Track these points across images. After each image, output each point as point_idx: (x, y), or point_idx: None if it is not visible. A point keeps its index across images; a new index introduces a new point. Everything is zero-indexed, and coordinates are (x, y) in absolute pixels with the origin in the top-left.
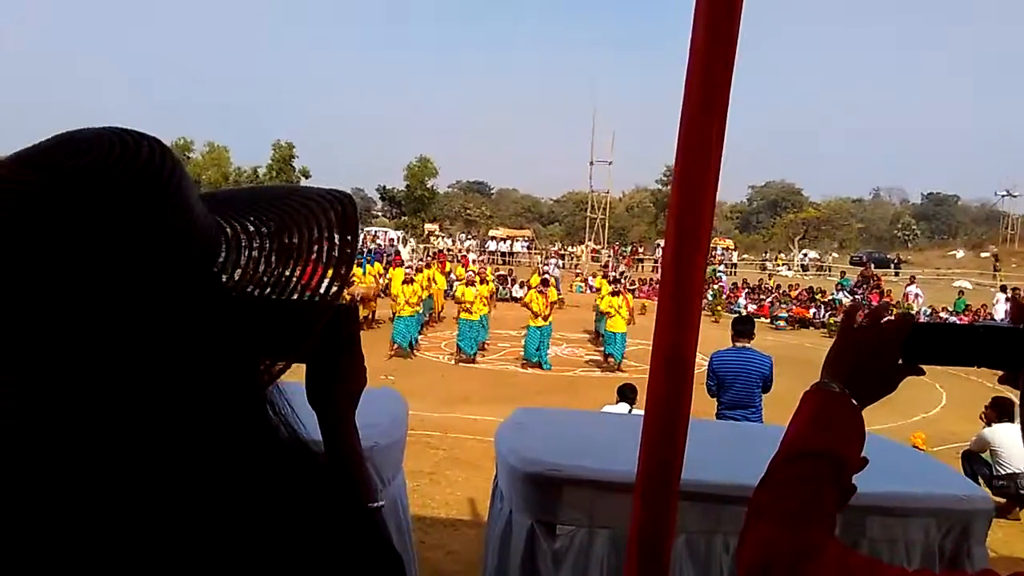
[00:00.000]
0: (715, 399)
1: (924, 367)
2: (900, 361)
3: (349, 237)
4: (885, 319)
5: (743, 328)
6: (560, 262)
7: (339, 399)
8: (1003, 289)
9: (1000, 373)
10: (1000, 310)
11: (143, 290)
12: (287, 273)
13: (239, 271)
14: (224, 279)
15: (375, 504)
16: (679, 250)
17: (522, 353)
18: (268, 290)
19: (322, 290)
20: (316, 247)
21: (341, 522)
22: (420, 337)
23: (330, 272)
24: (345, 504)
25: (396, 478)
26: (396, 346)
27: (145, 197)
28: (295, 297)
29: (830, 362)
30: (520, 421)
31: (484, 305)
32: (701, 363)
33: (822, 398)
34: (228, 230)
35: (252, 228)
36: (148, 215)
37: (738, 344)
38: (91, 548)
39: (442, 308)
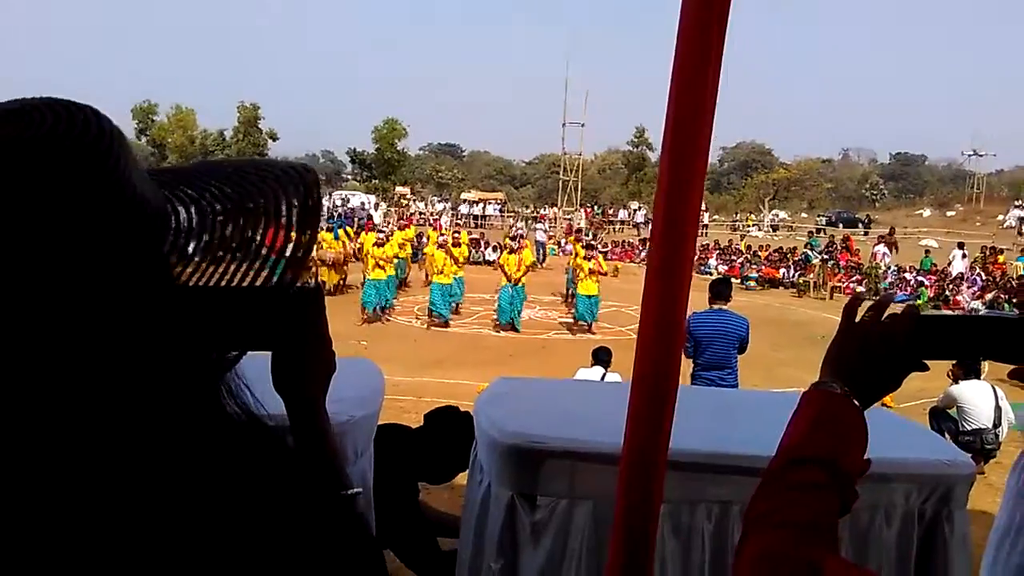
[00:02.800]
0: (691, 360)
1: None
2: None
3: (309, 214)
4: (889, 312)
5: (720, 290)
6: (545, 226)
7: (306, 386)
8: (960, 246)
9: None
10: (956, 267)
11: (81, 271)
12: (241, 252)
13: (191, 250)
14: (175, 260)
15: (350, 491)
16: (670, 214)
17: (495, 316)
18: (222, 271)
19: (278, 271)
20: (274, 224)
21: (309, 509)
22: (394, 301)
23: (287, 251)
24: (314, 491)
25: (367, 451)
26: (367, 312)
27: (82, 171)
28: (251, 277)
29: (831, 359)
30: (500, 391)
31: (459, 267)
32: None
33: (823, 400)
34: (180, 207)
35: (206, 205)
36: (86, 190)
37: (715, 306)
38: (43, 542)
39: (408, 271)
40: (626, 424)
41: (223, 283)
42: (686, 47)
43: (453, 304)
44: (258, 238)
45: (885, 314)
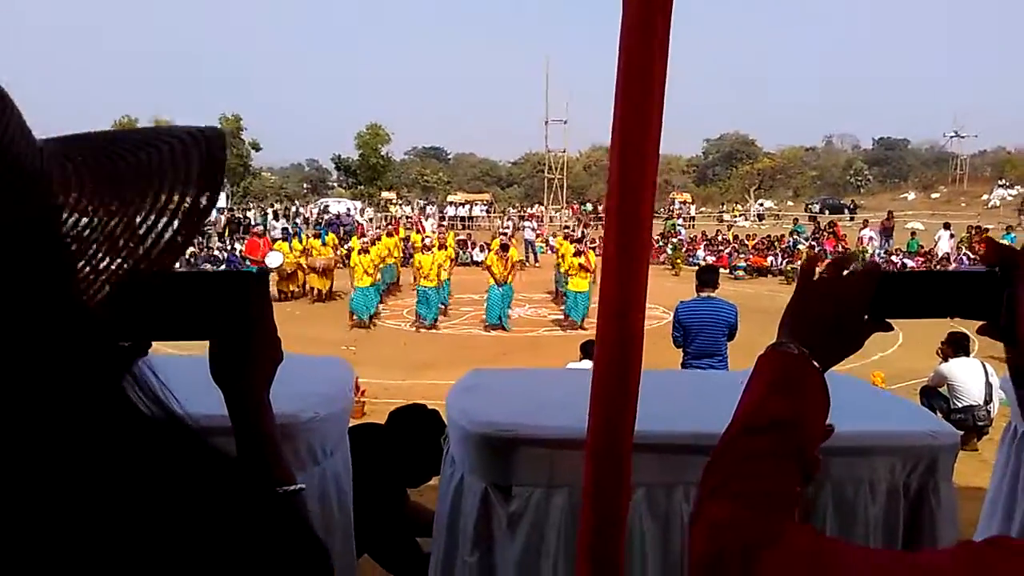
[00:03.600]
0: (681, 349)
1: (893, 322)
2: (866, 316)
3: (210, 172)
4: (849, 269)
5: (708, 278)
6: (534, 224)
7: (246, 377)
8: (946, 226)
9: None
10: (943, 247)
11: None
12: (137, 222)
13: (83, 225)
14: (68, 231)
15: (290, 488)
16: (623, 198)
17: (484, 316)
18: (112, 246)
19: (169, 232)
20: (172, 191)
21: (230, 508)
22: (381, 306)
23: (178, 219)
24: (241, 489)
25: (340, 448)
26: (356, 318)
27: None
28: (142, 238)
29: (788, 319)
30: (472, 383)
31: (444, 271)
32: (664, 316)
33: (779, 361)
34: (73, 177)
35: (100, 171)
36: None
37: (703, 294)
38: None
39: (399, 276)
40: (589, 410)
41: (113, 243)
42: (630, 39)
43: (441, 306)
44: (159, 198)
45: (845, 271)
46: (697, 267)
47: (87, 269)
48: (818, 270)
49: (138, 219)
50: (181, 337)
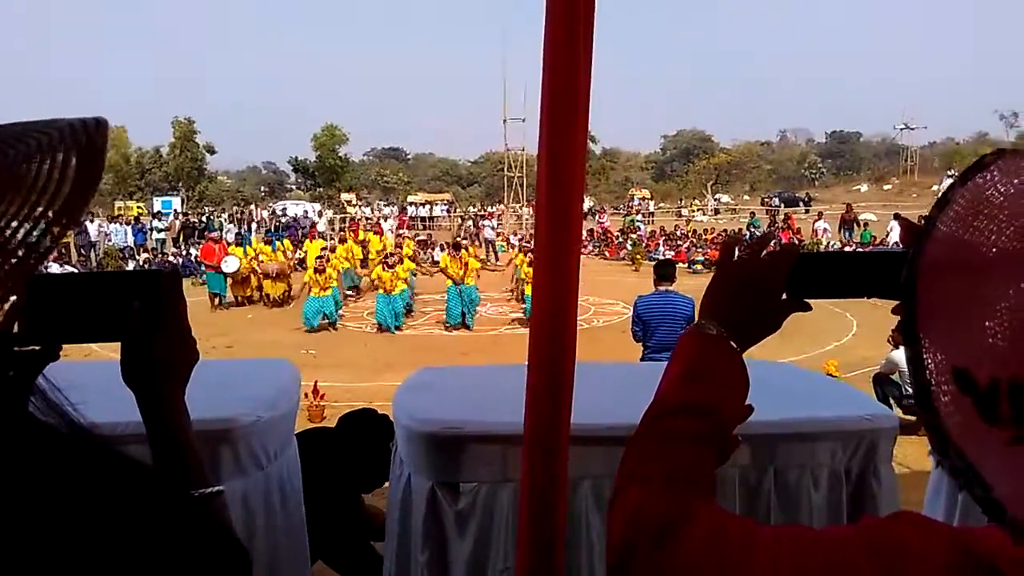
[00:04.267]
0: (641, 344)
1: (812, 302)
2: (784, 296)
3: (88, 165)
4: (767, 251)
5: (665, 272)
6: (494, 223)
7: (157, 378)
8: (896, 217)
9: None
10: (893, 236)
11: None
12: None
13: None
14: None
15: (206, 491)
16: (552, 194)
17: (444, 317)
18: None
19: (39, 229)
20: (45, 180)
21: (140, 514)
22: (341, 311)
23: (51, 212)
24: (151, 494)
25: (285, 452)
26: (306, 325)
27: None
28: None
29: (707, 300)
30: (419, 381)
31: (404, 283)
32: (624, 312)
33: (697, 343)
34: None
35: None
36: None
37: (661, 288)
38: None
39: (358, 281)
40: (525, 404)
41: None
42: (554, 35)
43: (404, 307)
44: (30, 195)
45: (763, 253)
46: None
47: None
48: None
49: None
50: (91, 339)
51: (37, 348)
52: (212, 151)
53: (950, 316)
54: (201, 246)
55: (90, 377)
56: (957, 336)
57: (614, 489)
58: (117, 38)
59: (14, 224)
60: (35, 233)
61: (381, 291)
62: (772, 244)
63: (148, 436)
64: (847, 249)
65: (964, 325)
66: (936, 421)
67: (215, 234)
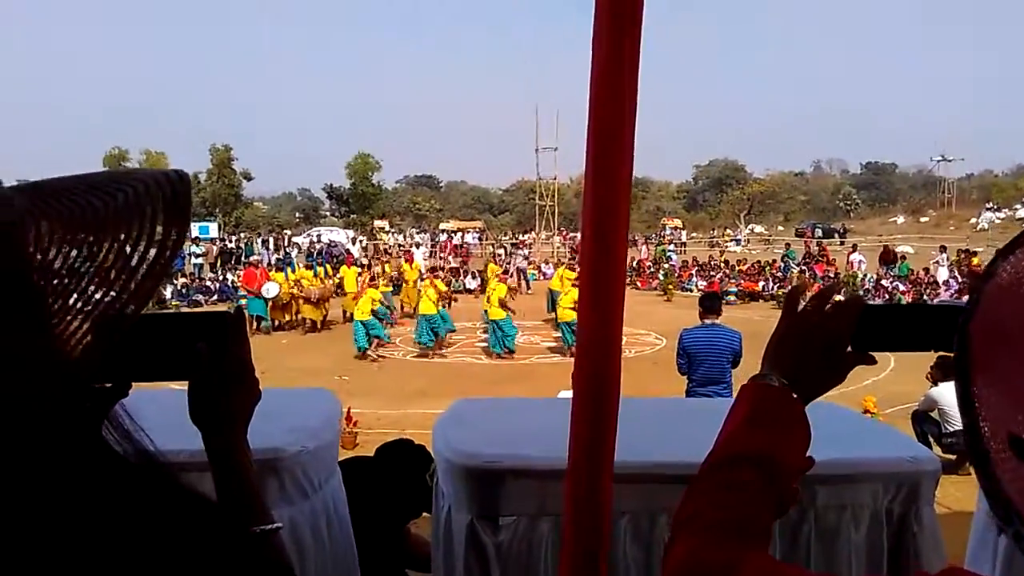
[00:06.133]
0: (686, 377)
1: (875, 355)
2: (849, 348)
3: (175, 224)
4: (832, 301)
5: (711, 304)
6: (527, 252)
7: (224, 417)
8: (942, 249)
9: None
10: (943, 273)
11: None
12: (106, 263)
13: (56, 269)
14: (38, 277)
15: (267, 527)
16: (598, 224)
17: (487, 345)
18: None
19: (138, 277)
20: (137, 235)
21: (204, 548)
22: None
23: (149, 255)
24: (214, 529)
25: (330, 480)
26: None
27: None
28: (113, 284)
29: (771, 351)
30: (458, 413)
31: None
32: (656, 342)
33: (759, 393)
34: (44, 223)
35: (66, 217)
36: None
37: (707, 321)
38: None
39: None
40: (569, 438)
41: (87, 283)
42: (600, 55)
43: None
44: (129, 237)
45: (829, 304)
46: (688, 293)
47: (60, 313)
48: (802, 302)
49: (108, 262)
50: (160, 378)
51: (108, 385)
52: (249, 178)
53: (1004, 379)
54: (243, 271)
55: (152, 405)
56: (1011, 400)
57: (669, 536)
58: (160, 67)
59: (120, 261)
60: (139, 272)
61: (421, 311)
62: (837, 295)
63: (212, 472)
64: (885, 282)
65: (1018, 388)
66: (996, 487)
67: (255, 258)
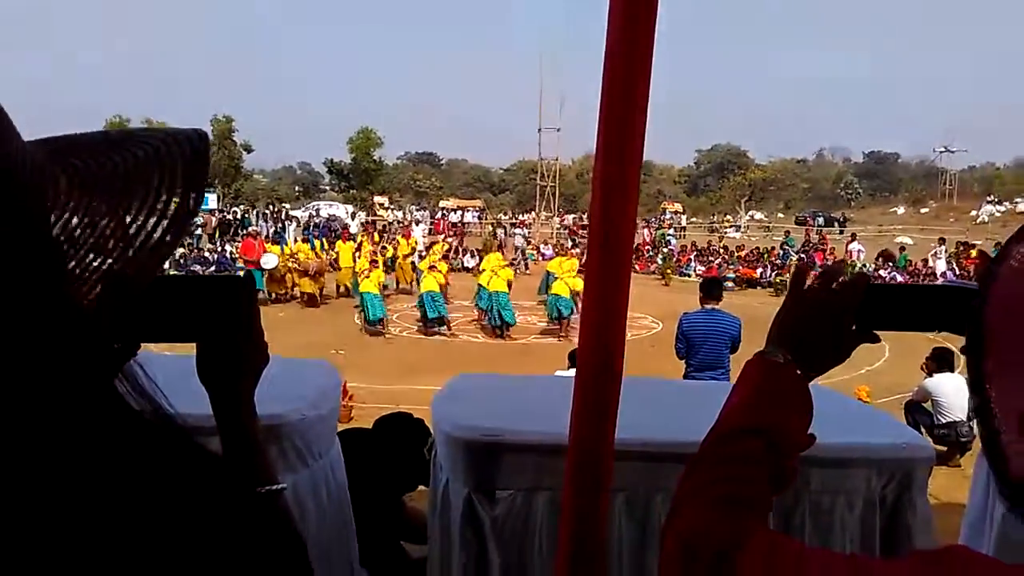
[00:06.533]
0: (684, 361)
1: (880, 333)
2: (854, 327)
3: (193, 183)
4: (839, 280)
5: (712, 290)
6: (526, 232)
7: (233, 379)
8: (941, 241)
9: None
10: (941, 265)
11: None
12: (127, 222)
13: (73, 226)
14: (58, 233)
15: (272, 487)
16: (606, 205)
17: (485, 321)
18: (102, 246)
19: (155, 236)
20: (159, 191)
21: (215, 506)
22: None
23: (167, 219)
24: (224, 487)
25: (330, 451)
26: (368, 324)
27: None
28: (133, 250)
29: (776, 328)
30: (456, 388)
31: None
32: (653, 325)
33: (764, 369)
34: (62, 179)
35: (88, 173)
36: None
37: (707, 306)
38: None
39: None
40: (571, 415)
41: (103, 243)
42: (614, 51)
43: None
44: (147, 198)
45: (835, 283)
46: (686, 278)
47: (78, 269)
48: (808, 281)
49: (127, 219)
50: (170, 339)
51: (117, 345)
52: (249, 150)
53: (1016, 360)
54: (241, 242)
55: (155, 368)
56: (1023, 381)
57: (671, 508)
58: (161, 37)
59: (137, 222)
60: (155, 234)
61: (424, 287)
62: (842, 275)
63: (220, 432)
64: (883, 272)
65: None
66: (1004, 467)
67: (254, 229)
